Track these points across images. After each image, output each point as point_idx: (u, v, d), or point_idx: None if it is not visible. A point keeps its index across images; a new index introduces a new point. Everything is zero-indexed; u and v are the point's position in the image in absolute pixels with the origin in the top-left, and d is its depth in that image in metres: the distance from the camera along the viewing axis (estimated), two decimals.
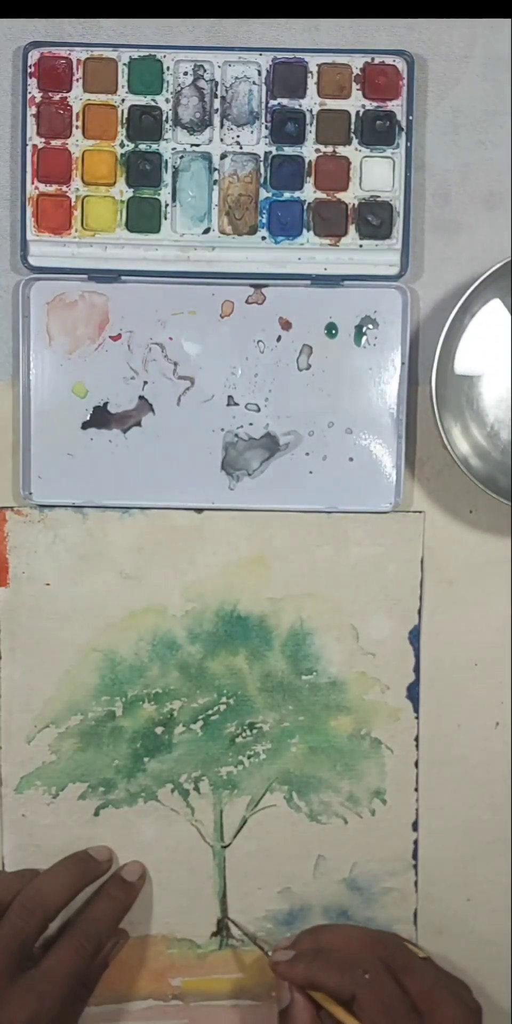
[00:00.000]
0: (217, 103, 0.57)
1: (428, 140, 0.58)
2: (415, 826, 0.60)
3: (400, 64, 0.56)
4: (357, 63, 0.56)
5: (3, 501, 0.59)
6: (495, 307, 0.57)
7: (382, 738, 0.60)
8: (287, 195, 0.57)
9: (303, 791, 0.60)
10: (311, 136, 0.57)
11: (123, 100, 0.57)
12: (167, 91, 0.56)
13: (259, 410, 0.59)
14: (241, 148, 0.57)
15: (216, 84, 0.56)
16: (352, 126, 0.57)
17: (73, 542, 0.59)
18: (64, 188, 0.57)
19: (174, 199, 0.57)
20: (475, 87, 0.58)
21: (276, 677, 0.59)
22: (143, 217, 0.57)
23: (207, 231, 0.57)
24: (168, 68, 0.56)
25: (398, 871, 0.60)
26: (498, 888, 0.60)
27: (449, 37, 0.58)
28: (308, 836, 0.60)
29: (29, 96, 0.56)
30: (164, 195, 0.57)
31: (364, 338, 0.58)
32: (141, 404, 0.58)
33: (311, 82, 0.57)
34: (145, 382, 0.58)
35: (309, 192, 0.57)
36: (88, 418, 0.58)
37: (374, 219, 0.57)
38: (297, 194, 0.57)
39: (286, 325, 0.58)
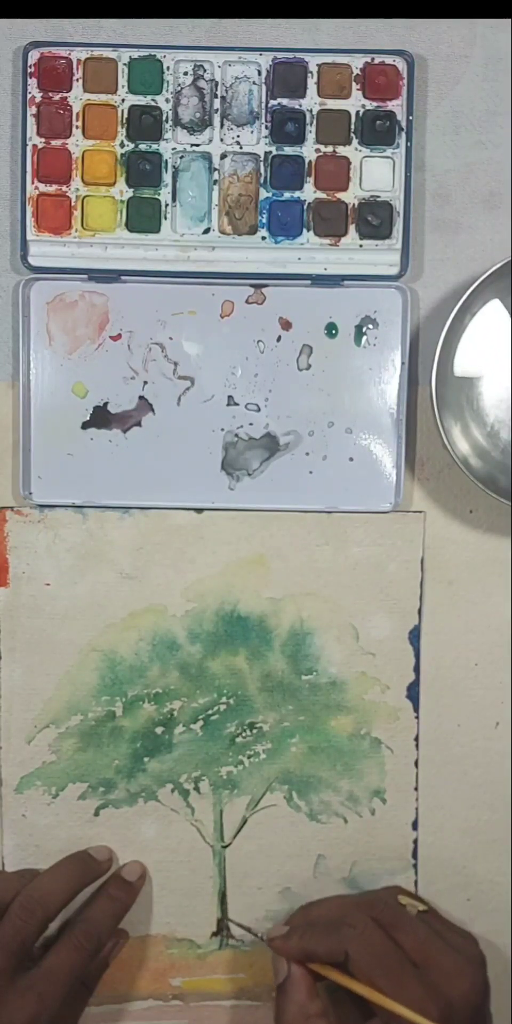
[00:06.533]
0: (217, 103, 0.57)
1: (428, 140, 0.58)
2: (415, 826, 0.60)
3: (400, 64, 0.56)
4: (357, 63, 0.56)
5: (3, 501, 0.59)
6: (495, 307, 0.57)
7: (382, 738, 0.60)
8: (287, 195, 0.57)
9: (303, 791, 0.60)
10: (311, 136, 0.57)
11: (123, 100, 0.57)
12: (167, 91, 0.56)
13: (259, 410, 0.59)
14: (241, 148, 0.57)
15: (216, 84, 0.56)
16: (352, 126, 0.57)
17: (73, 542, 0.59)
18: (64, 188, 0.57)
19: (174, 199, 0.57)
20: (475, 87, 0.58)
21: (276, 677, 0.59)
22: (143, 217, 0.57)
23: (207, 231, 0.57)
24: (168, 68, 0.56)
25: (398, 871, 0.60)
26: (498, 888, 0.61)
27: (449, 37, 0.58)
28: (308, 836, 0.60)
29: (29, 96, 0.56)
30: (164, 195, 0.57)
31: (364, 338, 0.58)
32: (141, 404, 0.58)
33: (311, 82, 0.57)
34: (145, 382, 0.58)
35: (309, 192, 0.57)
36: (88, 418, 0.58)
37: (374, 219, 0.57)
38: (297, 194, 0.57)
39: (286, 325, 0.58)
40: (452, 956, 0.52)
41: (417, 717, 0.60)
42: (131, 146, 0.57)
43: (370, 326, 0.58)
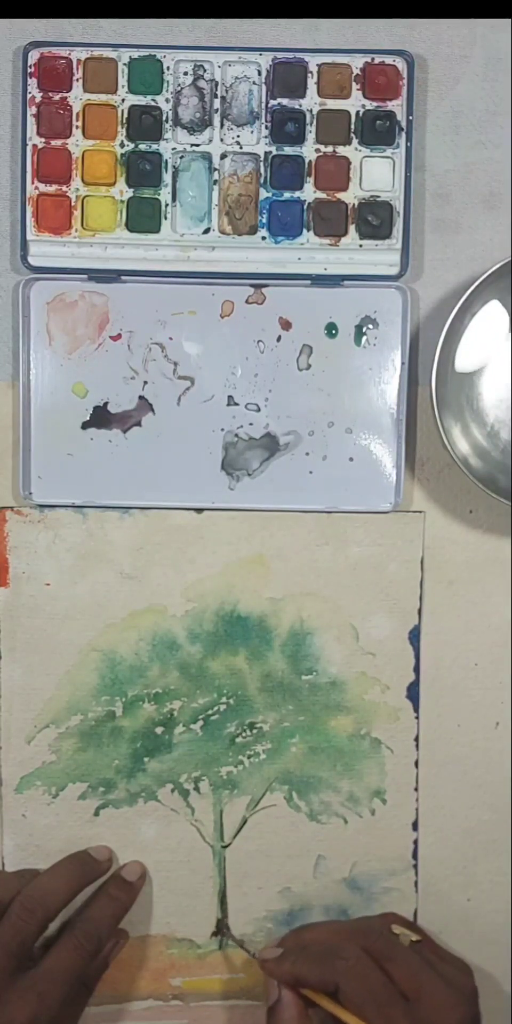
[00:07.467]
0: (217, 103, 0.57)
1: (428, 140, 0.58)
2: (415, 826, 0.60)
3: (400, 64, 0.56)
4: (357, 63, 0.56)
5: (3, 501, 0.59)
6: (495, 307, 0.57)
7: (382, 738, 0.60)
8: (287, 195, 0.57)
9: (303, 791, 0.60)
10: (311, 136, 0.57)
11: (123, 100, 0.57)
12: (167, 91, 0.56)
13: (259, 410, 0.59)
14: (241, 148, 0.57)
15: (216, 84, 0.56)
16: (352, 126, 0.57)
17: (73, 542, 0.59)
18: (64, 188, 0.57)
19: (174, 199, 0.57)
20: (475, 87, 0.58)
21: (276, 677, 0.59)
22: (143, 217, 0.57)
23: (207, 231, 0.57)
24: (168, 68, 0.56)
25: (398, 871, 0.60)
26: (498, 888, 0.60)
27: (449, 37, 0.58)
28: (308, 836, 0.60)
29: (29, 96, 0.56)
30: (164, 195, 0.57)
31: (364, 338, 0.58)
32: (141, 404, 0.58)
33: (311, 82, 0.57)
34: (145, 382, 0.58)
35: (309, 192, 0.57)
36: (88, 418, 0.58)
37: (374, 219, 0.57)
38: (297, 194, 0.57)
39: (286, 325, 0.58)
40: (444, 989, 0.52)
41: (417, 717, 0.60)
42: (131, 146, 0.57)
43: (370, 326, 0.58)
